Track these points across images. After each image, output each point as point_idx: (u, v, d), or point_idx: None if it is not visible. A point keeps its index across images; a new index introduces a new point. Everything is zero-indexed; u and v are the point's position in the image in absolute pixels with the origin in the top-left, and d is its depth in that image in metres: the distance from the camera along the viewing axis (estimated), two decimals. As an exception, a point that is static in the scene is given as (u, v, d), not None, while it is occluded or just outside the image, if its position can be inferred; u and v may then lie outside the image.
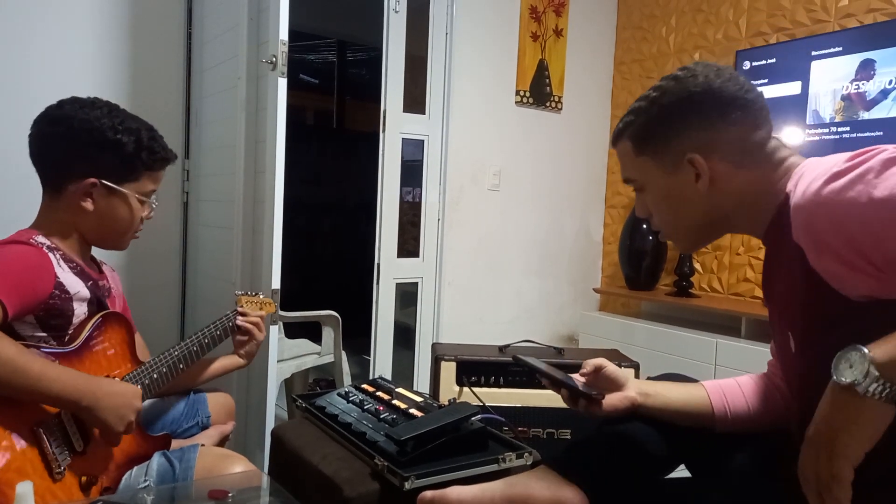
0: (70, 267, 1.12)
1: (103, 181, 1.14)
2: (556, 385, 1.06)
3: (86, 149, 1.12)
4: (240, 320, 1.37)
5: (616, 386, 1.05)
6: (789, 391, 0.96)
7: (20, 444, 0.95)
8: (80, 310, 1.12)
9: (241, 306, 1.42)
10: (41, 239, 1.10)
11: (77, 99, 1.15)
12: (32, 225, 1.16)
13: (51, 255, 1.09)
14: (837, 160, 0.72)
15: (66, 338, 1.10)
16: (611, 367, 1.06)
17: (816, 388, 0.71)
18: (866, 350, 0.63)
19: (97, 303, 1.16)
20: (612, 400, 1.03)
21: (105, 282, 1.24)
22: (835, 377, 0.66)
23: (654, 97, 0.90)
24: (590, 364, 1.07)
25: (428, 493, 0.93)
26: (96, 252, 1.28)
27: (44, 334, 1.07)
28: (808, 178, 0.75)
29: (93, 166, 1.12)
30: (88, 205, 1.14)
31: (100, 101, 1.15)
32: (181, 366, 1.24)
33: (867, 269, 0.69)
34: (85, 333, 1.10)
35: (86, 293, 1.13)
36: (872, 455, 0.65)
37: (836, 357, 0.66)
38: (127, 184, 1.16)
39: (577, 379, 1.07)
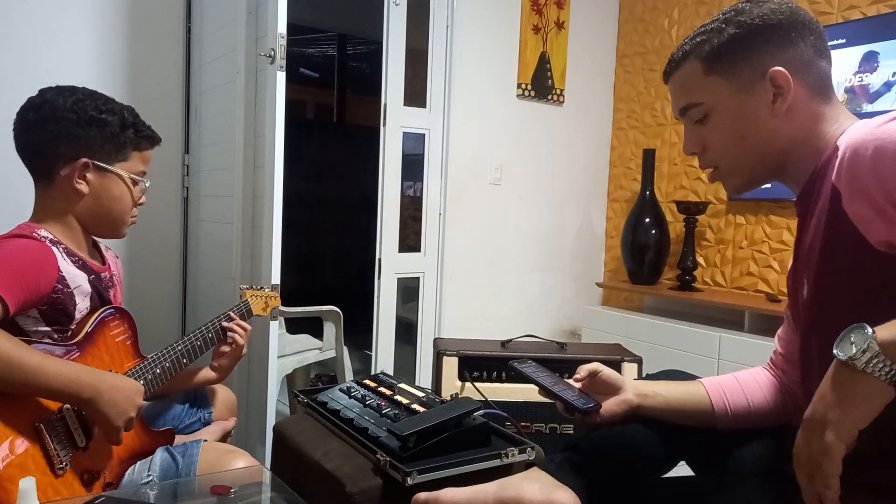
0: (73, 261, 1.12)
1: (94, 161, 1.13)
2: (552, 397, 1.05)
3: (72, 129, 1.11)
4: (226, 324, 1.33)
5: (613, 390, 1.03)
6: (797, 348, 0.94)
7: (21, 439, 0.95)
8: (83, 304, 1.12)
9: (247, 300, 1.41)
10: (44, 233, 1.10)
11: (57, 86, 1.15)
12: (31, 219, 1.15)
13: (54, 248, 1.08)
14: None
15: (69, 332, 1.10)
16: (606, 371, 1.04)
17: (822, 338, 0.70)
18: (870, 330, 0.64)
19: (99, 297, 1.16)
20: (609, 405, 1.01)
21: (107, 273, 1.23)
22: (836, 352, 0.66)
23: (728, 17, 0.87)
24: (584, 370, 1.05)
25: (422, 495, 0.92)
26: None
27: (47, 329, 1.07)
28: (862, 124, 0.74)
29: (81, 146, 1.12)
30: (83, 187, 1.13)
31: (79, 88, 1.16)
32: (184, 360, 1.24)
33: (893, 216, 0.68)
34: (87, 328, 1.10)
35: (87, 287, 1.12)
36: (869, 438, 0.65)
37: (840, 335, 0.66)
38: (118, 163, 1.16)
39: (574, 385, 1.06)
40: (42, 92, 1.14)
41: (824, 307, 0.79)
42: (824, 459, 0.65)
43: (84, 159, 1.12)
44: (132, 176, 1.18)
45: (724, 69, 0.87)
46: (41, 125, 1.11)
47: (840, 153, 0.75)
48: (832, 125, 0.85)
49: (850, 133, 0.78)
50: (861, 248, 0.72)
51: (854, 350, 0.64)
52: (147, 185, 1.23)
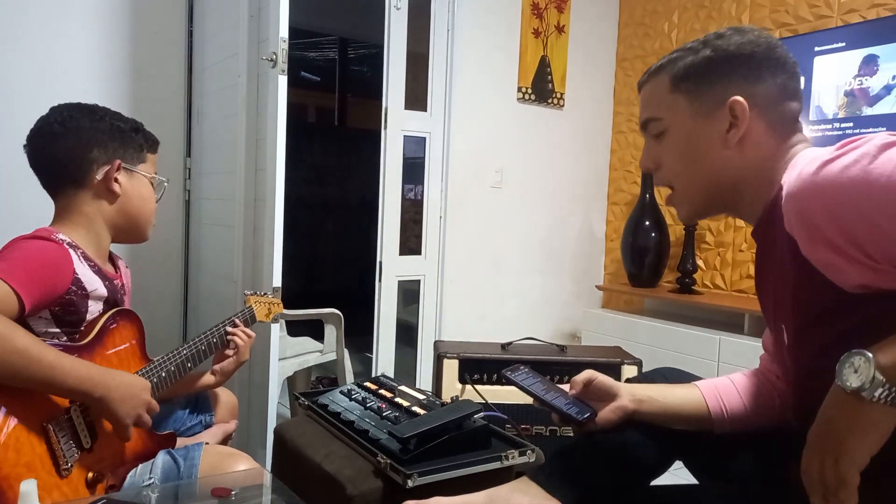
0: (89, 265, 1.13)
1: (124, 164, 1.19)
2: (547, 408, 1.03)
3: (99, 135, 1.16)
4: (230, 329, 1.34)
5: (608, 396, 1.01)
6: (786, 384, 0.95)
7: (29, 439, 0.95)
8: (95, 307, 1.12)
9: (251, 306, 1.42)
10: (62, 236, 1.12)
11: (67, 103, 1.20)
12: (51, 224, 1.17)
13: (71, 251, 1.10)
14: (829, 149, 0.71)
15: (77, 335, 1.11)
16: (600, 378, 1.03)
17: (812, 381, 0.70)
18: (871, 354, 0.62)
19: (113, 302, 1.17)
20: (605, 413, 1.00)
21: (119, 281, 1.24)
22: (839, 382, 0.65)
23: (708, 39, 0.88)
24: (577, 382, 1.04)
25: (411, 503, 0.93)
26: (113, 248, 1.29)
27: (57, 330, 1.08)
28: (799, 167, 0.73)
29: (111, 150, 1.17)
30: (118, 188, 1.18)
31: (84, 103, 1.21)
32: (189, 365, 1.25)
33: (861, 259, 0.67)
34: (97, 329, 1.11)
35: (103, 291, 1.14)
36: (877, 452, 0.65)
37: (840, 361, 0.65)
38: (140, 165, 1.22)
39: (568, 391, 1.05)
40: (56, 108, 1.18)
41: (812, 355, 0.78)
42: (842, 489, 0.65)
43: (118, 161, 1.17)
44: (153, 177, 1.24)
45: (689, 89, 0.88)
46: (69, 134, 1.15)
47: (784, 195, 0.74)
48: (780, 164, 0.83)
49: (789, 174, 0.77)
50: (834, 293, 0.71)
51: (860, 380, 0.63)
52: (167, 183, 1.29)
